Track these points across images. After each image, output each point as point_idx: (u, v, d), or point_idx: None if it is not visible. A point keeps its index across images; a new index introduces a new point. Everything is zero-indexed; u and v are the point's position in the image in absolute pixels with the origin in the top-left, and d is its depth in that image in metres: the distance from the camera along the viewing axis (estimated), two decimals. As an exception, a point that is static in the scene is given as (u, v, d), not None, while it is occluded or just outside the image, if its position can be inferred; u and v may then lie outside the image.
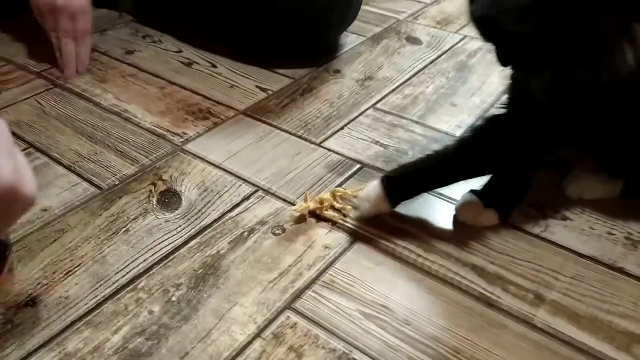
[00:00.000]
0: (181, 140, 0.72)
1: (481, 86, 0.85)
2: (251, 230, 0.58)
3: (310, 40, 0.87)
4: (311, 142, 0.72)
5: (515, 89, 0.57)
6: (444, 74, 0.88)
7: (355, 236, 0.58)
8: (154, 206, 0.61)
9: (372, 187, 0.58)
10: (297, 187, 0.64)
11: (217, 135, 0.73)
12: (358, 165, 0.68)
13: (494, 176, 0.59)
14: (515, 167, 0.57)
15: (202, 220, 0.59)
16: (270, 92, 0.83)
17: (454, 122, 0.76)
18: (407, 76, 0.87)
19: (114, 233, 0.58)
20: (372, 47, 0.96)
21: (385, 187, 0.57)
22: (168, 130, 0.74)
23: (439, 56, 0.93)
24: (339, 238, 0.57)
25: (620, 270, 0.54)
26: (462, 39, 0.98)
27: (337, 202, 0.60)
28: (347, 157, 0.69)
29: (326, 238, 0.57)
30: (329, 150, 0.71)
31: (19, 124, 0.75)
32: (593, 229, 0.58)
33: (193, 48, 0.95)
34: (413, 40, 0.98)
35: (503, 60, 0.50)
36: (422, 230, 0.58)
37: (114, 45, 0.95)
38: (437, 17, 1.07)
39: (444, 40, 0.98)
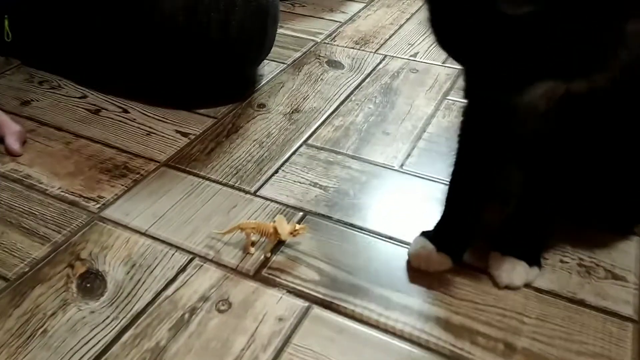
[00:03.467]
0: (98, 206, 0.64)
1: (409, 110, 0.83)
2: (192, 310, 0.52)
3: (226, 74, 0.81)
4: (246, 192, 0.67)
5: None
6: (371, 100, 0.85)
7: (309, 299, 0.53)
8: (75, 295, 0.53)
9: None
10: (237, 249, 0.58)
11: (138, 196, 0.66)
12: (300, 214, 0.63)
13: (443, 217, 0.57)
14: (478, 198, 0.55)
15: (134, 305, 0.52)
16: (192, 137, 0.76)
17: (390, 152, 0.74)
18: (335, 105, 0.84)
19: (29, 337, 0.49)
20: (294, 74, 0.92)
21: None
22: (81, 196, 0.66)
23: (363, 80, 0.91)
24: (292, 305, 0.52)
25: (581, 303, 0.53)
26: (383, 59, 0.96)
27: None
28: (287, 205, 0.65)
29: (278, 307, 0.52)
30: (267, 199, 0.66)
31: None
32: (545, 259, 0.57)
33: (99, 92, 0.86)
34: (334, 64, 0.95)
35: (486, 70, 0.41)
36: (377, 284, 0.55)
37: (6, 96, 0.84)
38: (354, 36, 1.04)
39: (365, 61, 0.96)
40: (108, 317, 0.51)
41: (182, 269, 0.56)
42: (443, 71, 0.92)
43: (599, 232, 0.60)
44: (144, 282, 0.55)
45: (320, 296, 0.53)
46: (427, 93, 0.87)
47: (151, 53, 0.78)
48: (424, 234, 0.57)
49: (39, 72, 0.91)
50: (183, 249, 0.58)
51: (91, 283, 0.54)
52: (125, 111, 0.82)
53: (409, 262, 0.56)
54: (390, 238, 0.60)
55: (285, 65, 0.94)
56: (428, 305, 0.52)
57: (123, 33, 0.78)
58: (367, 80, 0.91)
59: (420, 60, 0.96)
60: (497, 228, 0.56)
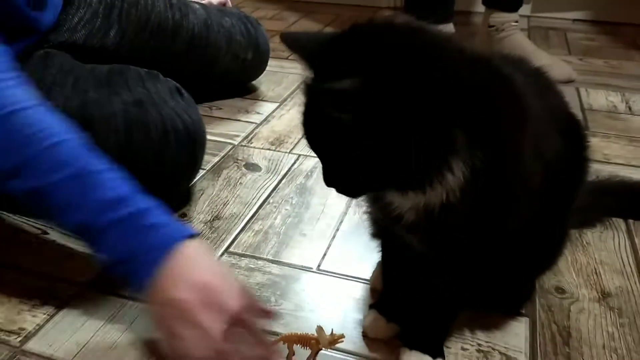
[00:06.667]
0: (19, 339, 0.64)
1: (323, 209, 0.90)
2: None
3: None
4: (170, 309, 0.69)
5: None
6: (288, 201, 0.92)
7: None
8: None
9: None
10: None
11: (62, 322, 0.67)
12: (224, 327, 0.66)
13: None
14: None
15: None
16: (115, 254, 0.78)
17: (308, 254, 0.79)
18: (254, 209, 0.89)
19: None
20: (213, 180, 0.97)
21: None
22: (1, 329, 0.66)
23: (280, 181, 0.97)
24: None
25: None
26: (297, 158, 1.04)
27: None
28: (211, 319, 0.68)
29: None
30: (191, 314, 0.68)
31: None
32: (448, 347, 0.63)
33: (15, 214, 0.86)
34: (252, 167, 1.01)
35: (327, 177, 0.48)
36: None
37: None
38: (269, 137, 1.12)
39: (281, 162, 1.03)
40: None
41: (109, 399, 0.57)
42: (352, 167, 1.00)
43: (493, 315, 0.67)
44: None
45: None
46: (339, 190, 0.94)
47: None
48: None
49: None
50: (109, 377, 0.60)
51: None
52: (45, 232, 0.83)
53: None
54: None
55: (205, 170, 0.99)
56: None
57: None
58: (283, 181, 0.97)
59: (331, 157, 1.04)
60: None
